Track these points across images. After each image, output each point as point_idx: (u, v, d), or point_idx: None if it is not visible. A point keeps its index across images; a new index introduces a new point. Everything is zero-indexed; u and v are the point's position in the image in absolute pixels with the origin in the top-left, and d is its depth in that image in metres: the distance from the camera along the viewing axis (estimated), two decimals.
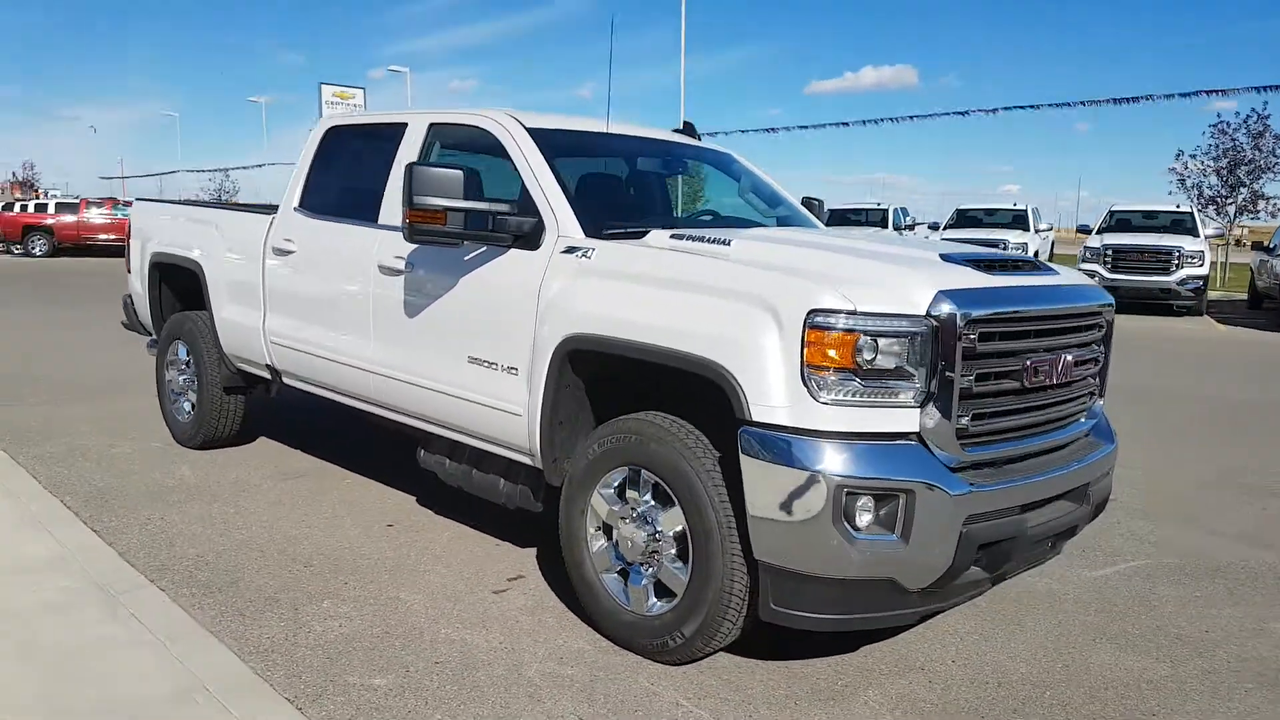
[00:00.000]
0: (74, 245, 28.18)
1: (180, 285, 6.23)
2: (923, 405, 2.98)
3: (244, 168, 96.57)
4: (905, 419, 2.99)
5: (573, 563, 3.62)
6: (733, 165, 5.20)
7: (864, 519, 2.93)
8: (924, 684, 3.32)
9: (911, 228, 26.49)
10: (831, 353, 2.90)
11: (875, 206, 27.95)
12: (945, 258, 3.31)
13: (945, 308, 2.95)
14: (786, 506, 2.94)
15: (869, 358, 2.92)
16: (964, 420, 3.05)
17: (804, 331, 2.91)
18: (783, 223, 5.01)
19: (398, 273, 4.33)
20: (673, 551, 3.30)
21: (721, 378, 3.07)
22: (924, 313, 2.94)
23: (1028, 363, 3.20)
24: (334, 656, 3.34)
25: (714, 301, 3.16)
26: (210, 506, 4.98)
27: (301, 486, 5.39)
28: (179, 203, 7.17)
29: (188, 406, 6.15)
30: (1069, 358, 3.37)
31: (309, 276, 4.99)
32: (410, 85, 56.08)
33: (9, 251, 28.60)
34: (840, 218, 25.58)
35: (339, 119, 5.28)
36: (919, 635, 3.71)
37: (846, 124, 30.14)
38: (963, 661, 3.51)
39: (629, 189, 4.85)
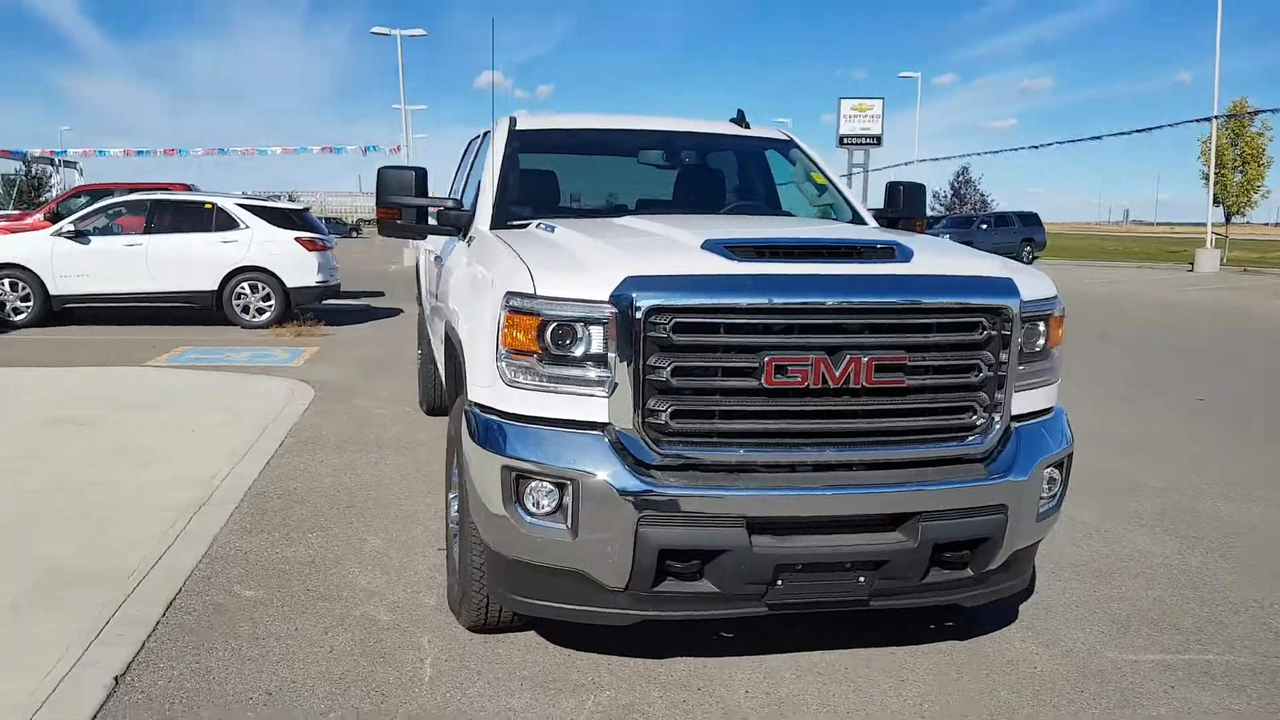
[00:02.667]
0: None
1: None
2: (611, 395, 2.84)
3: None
4: (593, 408, 2.87)
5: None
6: (790, 152, 4.93)
7: (539, 505, 2.89)
8: (670, 703, 3.07)
9: None
10: (519, 335, 2.91)
11: None
12: (706, 243, 3.02)
13: (627, 294, 2.78)
14: (481, 485, 3.01)
15: (555, 342, 2.87)
16: (662, 415, 2.82)
17: (500, 314, 2.96)
18: (825, 212, 4.69)
19: (437, 264, 4.97)
20: None
21: (461, 355, 3.22)
22: (606, 298, 2.80)
23: (766, 360, 2.81)
24: (253, 570, 4.08)
25: (480, 285, 3.30)
26: (365, 455, 6.07)
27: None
28: None
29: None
30: (863, 359, 2.85)
31: (432, 269, 5.84)
32: (920, 89, 55.54)
33: None
34: None
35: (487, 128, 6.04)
36: (762, 663, 3.36)
37: None
38: (755, 697, 3.14)
39: (614, 181, 4.93)
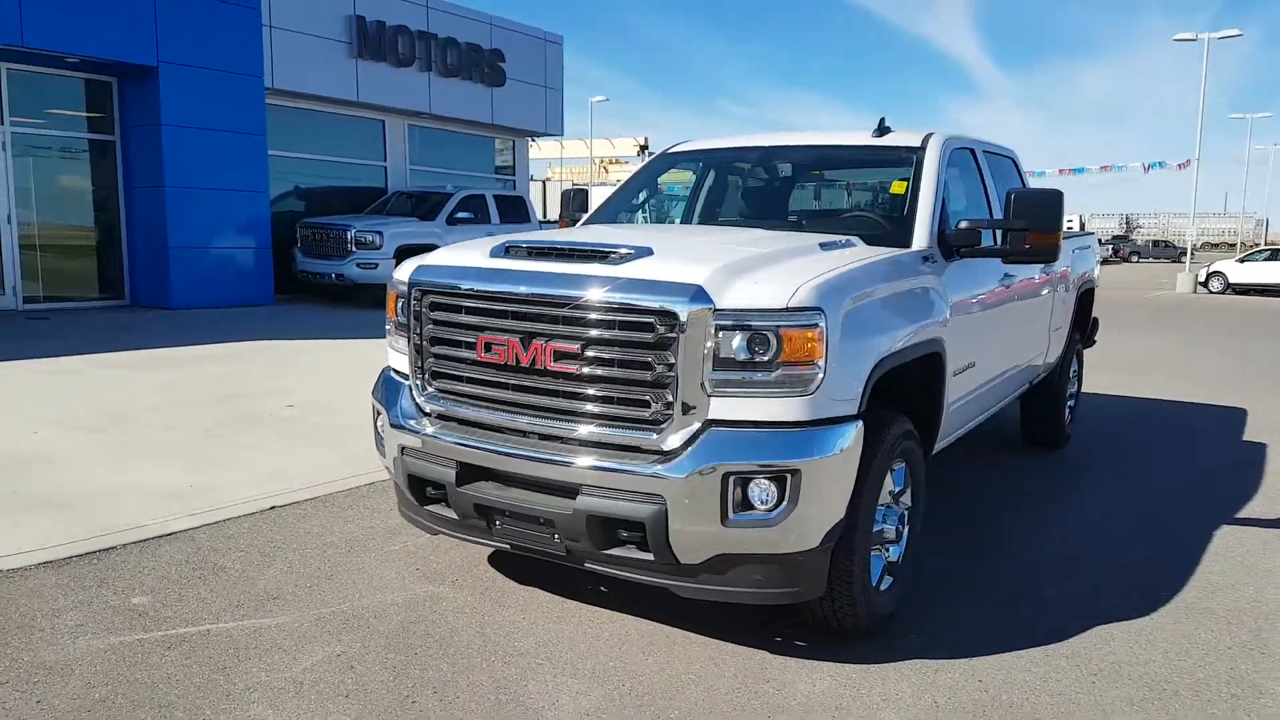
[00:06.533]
0: None
1: None
2: (409, 354, 3.83)
3: None
4: (403, 363, 3.88)
5: None
6: (912, 158, 4.68)
7: (383, 430, 4.00)
8: (466, 605, 3.88)
9: None
10: (390, 306, 4.04)
11: None
12: (497, 246, 3.72)
13: (412, 278, 3.75)
14: None
15: (398, 313, 3.95)
16: (427, 373, 3.72)
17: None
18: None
19: None
20: None
21: None
22: (406, 280, 3.80)
23: (478, 337, 3.49)
24: None
25: None
26: None
27: None
28: None
29: None
30: (539, 344, 3.33)
31: None
32: None
33: None
34: None
35: None
36: (578, 610, 3.88)
37: None
38: (533, 621, 3.75)
39: (719, 196, 5.18)
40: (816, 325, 3.13)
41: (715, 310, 3.11)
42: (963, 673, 3.42)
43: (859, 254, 3.75)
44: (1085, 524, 5.26)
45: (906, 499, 3.87)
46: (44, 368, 9.08)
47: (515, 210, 18.30)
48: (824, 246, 3.78)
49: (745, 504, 3.15)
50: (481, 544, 3.76)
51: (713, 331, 3.11)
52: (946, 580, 4.32)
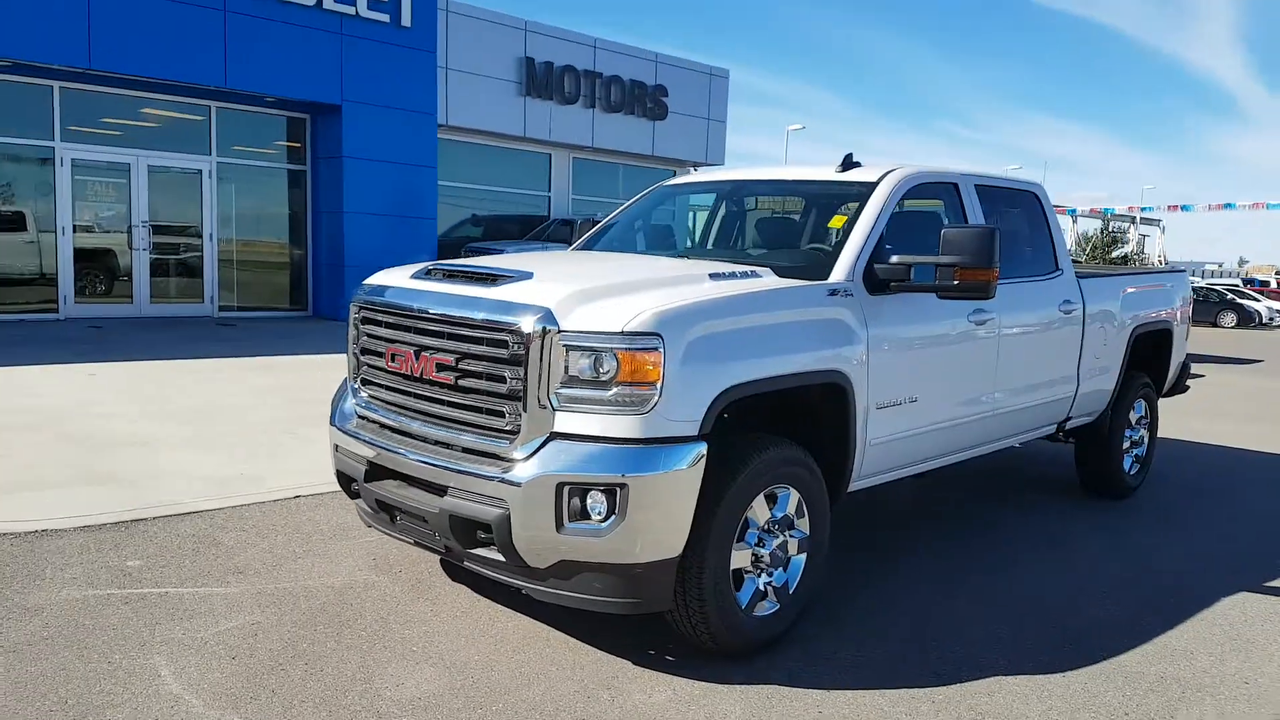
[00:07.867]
0: None
1: None
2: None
3: None
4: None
5: None
6: (858, 197, 4.66)
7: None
8: (386, 594, 4.25)
9: None
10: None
11: None
12: (420, 269, 4.11)
13: (355, 294, 4.21)
14: None
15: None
16: (360, 378, 4.14)
17: None
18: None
19: None
20: None
21: None
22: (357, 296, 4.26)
23: (387, 348, 3.88)
24: None
25: None
26: None
27: None
28: None
29: None
30: (426, 355, 3.69)
31: None
32: None
33: None
34: None
35: None
36: (484, 607, 4.18)
37: None
38: (435, 608, 4.08)
39: (704, 223, 5.32)
40: (655, 349, 3.30)
41: (560, 331, 3.35)
42: (810, 704, 3.43)
43: (746, 285, 3.86)
44: (1080, 572, 4.99)
45: (803, 526, 3.91)
46: (195, 366, 10.34)
47: None
48: (713, 276, 3.92)
49: (583, 514, 3.35)
50: (396, 538, 4.12)
51: (561, 351, 3.35)
52: (879, 609, 4.29)
